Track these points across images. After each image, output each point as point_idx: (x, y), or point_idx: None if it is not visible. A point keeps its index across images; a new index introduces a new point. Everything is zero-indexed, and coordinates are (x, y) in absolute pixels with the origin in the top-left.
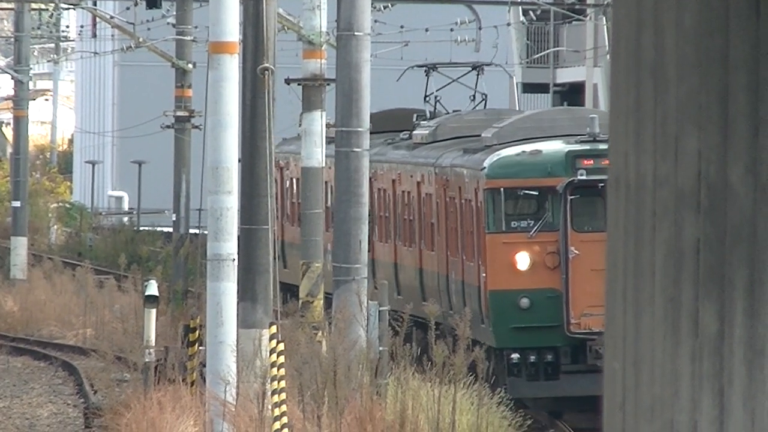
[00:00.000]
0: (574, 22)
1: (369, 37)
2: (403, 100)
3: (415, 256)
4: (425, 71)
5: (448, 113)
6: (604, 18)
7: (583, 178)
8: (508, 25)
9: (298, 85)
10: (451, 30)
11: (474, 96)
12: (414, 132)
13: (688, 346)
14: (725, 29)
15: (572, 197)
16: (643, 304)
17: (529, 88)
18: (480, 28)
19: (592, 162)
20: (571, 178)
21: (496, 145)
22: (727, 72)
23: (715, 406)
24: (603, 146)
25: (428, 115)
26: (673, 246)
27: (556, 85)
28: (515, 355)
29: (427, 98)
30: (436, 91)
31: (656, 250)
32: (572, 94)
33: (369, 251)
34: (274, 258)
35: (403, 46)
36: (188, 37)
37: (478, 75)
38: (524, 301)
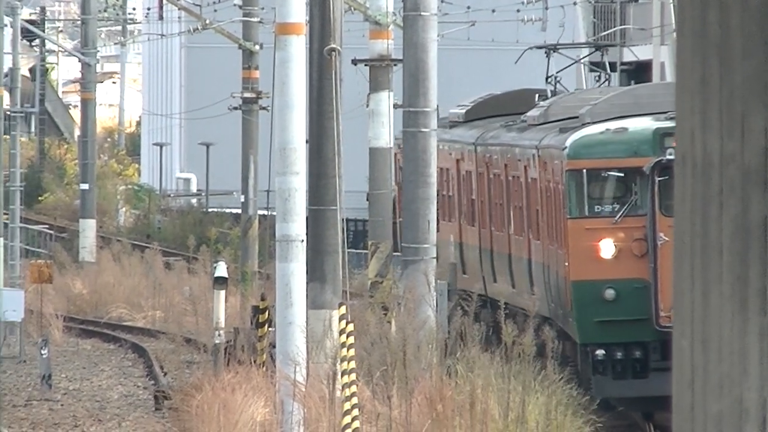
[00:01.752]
0: (640, 0)
1: (435, 17)
2: (526, 82)
3: (524, 246)
4: (545, 52)
5: (568, 93)
6: None
7: (672, 157)
8: (575, 3)
9: (365, 65)
10: (518, 10)
11: (599, 76)
12: (528, 113)
13: (756, 324)
14: None
15: (660, 179)
16: (711, 282)
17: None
18: (546, 8)
19: None
20: (659, 158)
21: (588, 123)
22: None
23: None
24: None
25: (549, 95)
26: (740, 224)
27: (623, 63)
28: (600, 352)
29: (548, 79)
30: (557, 72)
31: (723, 228)
32: (639, 72)
33: (487, 241)
34: (343, 238)
35: (469, 27)
36: (255, 19)
37: (602, 55)
38: (609, 293)
